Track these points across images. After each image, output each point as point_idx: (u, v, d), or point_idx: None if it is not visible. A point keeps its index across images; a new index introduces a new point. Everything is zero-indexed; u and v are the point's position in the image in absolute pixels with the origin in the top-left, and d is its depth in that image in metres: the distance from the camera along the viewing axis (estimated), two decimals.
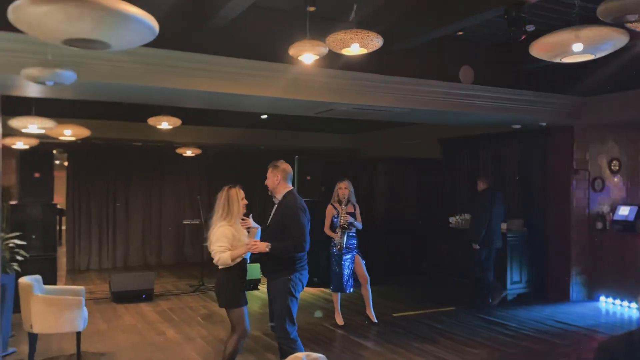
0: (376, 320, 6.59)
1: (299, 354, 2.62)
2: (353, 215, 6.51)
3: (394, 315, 7.11)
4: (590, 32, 3.45)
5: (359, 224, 6.55)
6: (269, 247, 4.11)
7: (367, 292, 6.69)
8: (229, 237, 4.12)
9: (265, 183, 4.44)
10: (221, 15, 4.87)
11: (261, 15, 5.33)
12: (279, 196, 4.40)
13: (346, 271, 6.48)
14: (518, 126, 8.18)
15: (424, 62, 6.25)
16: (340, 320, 6.59)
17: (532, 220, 8.43)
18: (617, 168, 8.29)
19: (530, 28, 5.14)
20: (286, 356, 4.27)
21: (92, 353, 5.46)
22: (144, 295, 7.94)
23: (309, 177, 9.49)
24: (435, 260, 9.61)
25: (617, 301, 7.70)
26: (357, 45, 4.29)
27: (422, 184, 10.42)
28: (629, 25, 2.96)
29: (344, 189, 6.42)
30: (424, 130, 10.21)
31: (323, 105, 6.16)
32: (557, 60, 3.93)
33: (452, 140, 9.95)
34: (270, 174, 4.42)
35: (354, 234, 6.52)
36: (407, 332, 6.28)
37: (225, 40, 5.17)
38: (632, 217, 7.82)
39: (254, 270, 8.09)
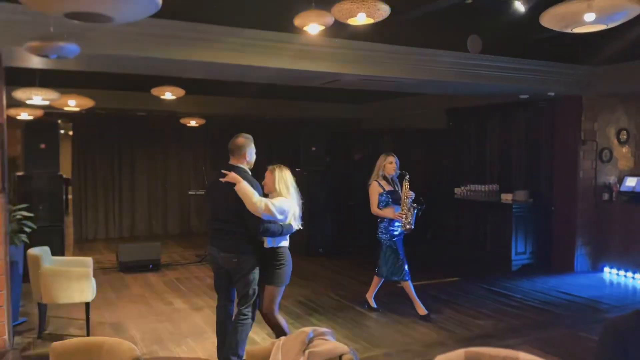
0: (375, 306, 6.04)
1: (306, 329, 2.64)
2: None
3: (398, 285, 7.15)
4: (603, 1, 3.37)
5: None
6: None
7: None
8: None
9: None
10: None
11: None
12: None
13: (403, 254, 5.75)
14: (526, 96, 8.08)
15: (432, 32, 6.13)
16: (422, 310, 5.72)
17: (538, 191, 8.41)
18: (626, 138, 8.22)
19: None
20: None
21: (101, 322, 5.55)
22: (151, 265, 8.03)
23: (314, 148, 9.47)
24: (440, 230, 9.64)
25: (622, 272, 7.73)
26: (363, 15, 4.19)
27: (428, 155, 10.37)
28: None
29: (393, 164, 5.63)
30: (430, 100, 10.10)
31: (329, 75, 6.09)
32: (569, 31, 3.85)
33: (458, 111, 9.86)
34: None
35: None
36: (412, 303, 6.32)
37: (230, 10, 5.08)
38: (639, 189, 7.78)
39: None
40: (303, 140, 9.42)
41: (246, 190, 3.90)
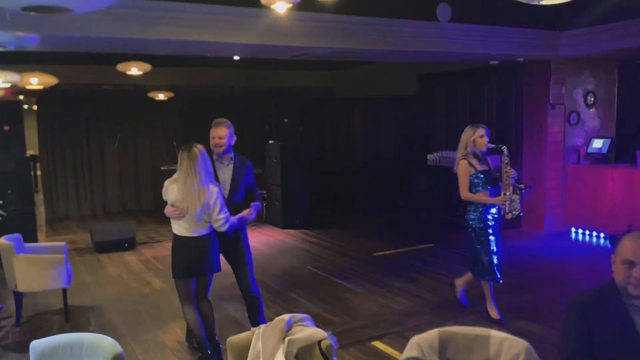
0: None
1: (284, 316, 2.68)
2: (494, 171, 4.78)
3: (374, 254, 7.29)
4: None
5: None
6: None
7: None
8: None
9: (221, 143, 4.08)
10: None
11: None
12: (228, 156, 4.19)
13: (499, 247, 4.77)
14: (495, 62, 8.12)
15: (401, 2, 6.07)
16: (495, 313, 4.83)
17: (509, 154, 8.53)
18: (593, 101, 8.37)
19: None
20: (257, 312, 4.39)
21: (79, 307, 5.53)
22: (127, 244, 7.98)
23: (286, 120, 9.42)
24: (413, 197, 9.77)
25: (588, 232, 7.99)
26: None
27: (400, 122, 10.40)
28: None
29: (484, 137, 4.71)
30: (401, 67, 10.06)
31: (298, 49, 6.01)
32: (535, 2, 3.86)
33: (429, 77, 9.86)
34: (227, 132, 4.09)
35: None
36: (388, 272, 6.47)
37: None
38: (605, 150, 7.98)
39: None
40: (275, 112, 9.35)
41: None
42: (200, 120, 7.43)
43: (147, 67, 7.55)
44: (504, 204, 4.63)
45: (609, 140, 8.03)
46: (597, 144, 8.11)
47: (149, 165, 11.60)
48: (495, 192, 4.72)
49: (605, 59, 8.16)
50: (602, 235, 7.77)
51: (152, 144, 11.67)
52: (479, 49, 6.86)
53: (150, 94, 10.33)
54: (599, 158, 8.02)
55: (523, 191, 4.75)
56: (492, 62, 8.17)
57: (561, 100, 8.07)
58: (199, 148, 3.79)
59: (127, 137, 11.42)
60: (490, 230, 4.71)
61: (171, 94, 10.43)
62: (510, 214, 4.68)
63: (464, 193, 4.72)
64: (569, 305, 2.30)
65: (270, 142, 9.33)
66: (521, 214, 4.79)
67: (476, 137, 4.70)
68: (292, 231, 8.85)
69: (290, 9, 4.87)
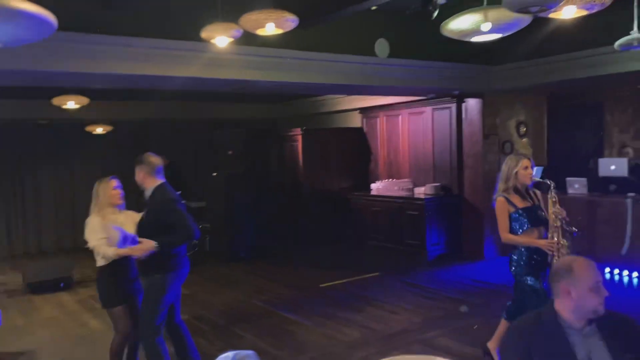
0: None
1: (228, 353, 2.60)
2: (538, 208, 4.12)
3: (321, 285, 7.27)
4: (498, 13, 3.58)
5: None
6: (157, 244, 3.83)
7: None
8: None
9: (137, 181, 4.13)
10: None
11: None
12: (147, 192, 4.09)
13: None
14: (433, 95, 8.44)
15: (341, 37, 6.23)
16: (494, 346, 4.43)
17: (449, 184, 8.83)
18: (524, 131, 8.80)
19: (442, 1, 5.25)
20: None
21: (10, 353, 5.20)
22: (62, 284, 7.60)
23: (230, 151, 9.36)
24: (359, 226, 9.86)
25: None
26: (272, 25, 4.19)
27: (345, 152, 10.53)
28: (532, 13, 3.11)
29: (529, 169, 4.07)
30: (345, 100, 10.28)
31: (241, 83, 6.03)
32: (467, 39, 4.08)
33: (371, 109, 10.12)
34: (135, 169, 4.09)
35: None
36: (335, 303, 6.45)
37: (131, 20, 4.89)
38: (538, 177, 8.36)
39: None
40: (218, 144, 9.29)
41: None
42: (141, 154, 7.27)
43: (85, 100, 7.38)
44: (551, 249, 3.87)
45: (541, 168, 8.42)
46: None
47: (85, 201, 11.16)
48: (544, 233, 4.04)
49: (534, 92, 8.64)
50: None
51: (90, 179, 11.25)
52: (417, 83, 7.11)
53: (88, 128, 10.04)
54: (532, 185, 8.38)
55: (575, 234, 3.97)
56: (429, 95, 8.49)
57: (495, 130, 8.45)
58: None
59: (63, 172, 11.00)
60: (540, 276, 3.98)
61: (110, 128, 10.17)
62: (558, 255, 3.85)
63: (504, 234, 4.07)
64: (509, 330, 2.37)
65: (214, 174, 9.22)
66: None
67: (519, 169, 4.05)
68: (237, 264, 8.70)
69: (232, 43, 4.91)
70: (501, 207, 4.04)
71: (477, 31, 3.80)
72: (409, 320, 5.77)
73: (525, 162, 4.05)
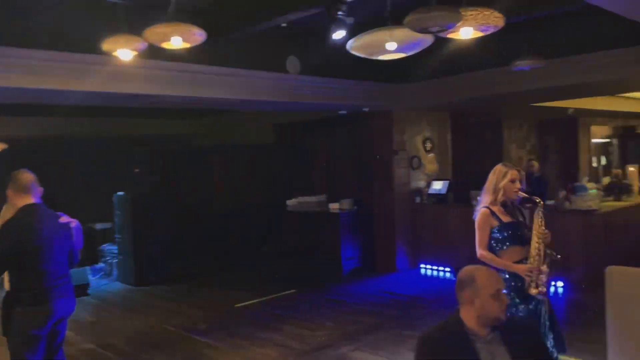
0: None
1: None
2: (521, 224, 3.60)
3: (236, 306, 7.09)
4: (402, 32, 3.71)
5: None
6: None
7: None
8: None
9: None
10: (16, 3, 4.29)
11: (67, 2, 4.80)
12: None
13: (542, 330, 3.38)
14: (344, 112, 8.60)
15: (252, 53, 6.20)
16: None
17: (361, 198, 8.99)
18: (430, 147, 9.17)
19: (350, 21, 5.37)
20: None
21: None
22: None
23: (137, 169, 8.99)
24: (276, 243, 9.77)
25: (435, 267, 8.59)
26: (179, 39, 4.07)
27: (260, 169, 10.46)
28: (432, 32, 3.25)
29: (517, 182, 3.56)
30: (259, 116, 10.24)
31: (147, 97, 5.82)
32: (374, 58, 4.20)
33: (285, 126, 10.15)
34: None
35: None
36: (251, 322, 6.31)
37: (24, 30, 4.57)
38: (444, 191, 8.72)
39: (81, 276, 7.52)
40: (123, 162, 8.89)
41: None
42: (38, 173, 6.79)
43: None
44: (529, 276, 3.33)
45: (447, 182, 8.81)
46: (437, 185, 8.85)
47: None
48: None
49: (439, 109, 9.04)
50: (447, 269, 8.40)
51: None
52: (327, 100, 7.22)
53: None
54: (439, 198, 8.74)
55: (557, 259, 3.41)
56: (340, 112, 8.65)
57: (403, 146, 8.74)
58: None
59: None
60: (531, 306, 3.38)
61: (5, 146, 9.44)
62: (535, 289, 3.32)
63: (480, 251, 3.54)
64: (418, 341, 2.41)
65: (120, 193, 8.78)
66: (549, 293, 3.47)
67: (505, 181, 3.54)
68: (146, 288, 8.27)
69: (137, 56, 4.72)
70: (483, 219, 3.54)
71: (383, 50, 3.94)
72: (325, 335, 5.75)
73: (512, 174, 3.56)
